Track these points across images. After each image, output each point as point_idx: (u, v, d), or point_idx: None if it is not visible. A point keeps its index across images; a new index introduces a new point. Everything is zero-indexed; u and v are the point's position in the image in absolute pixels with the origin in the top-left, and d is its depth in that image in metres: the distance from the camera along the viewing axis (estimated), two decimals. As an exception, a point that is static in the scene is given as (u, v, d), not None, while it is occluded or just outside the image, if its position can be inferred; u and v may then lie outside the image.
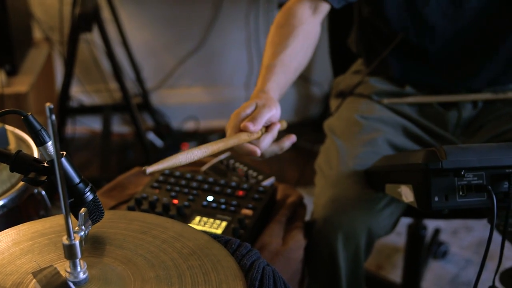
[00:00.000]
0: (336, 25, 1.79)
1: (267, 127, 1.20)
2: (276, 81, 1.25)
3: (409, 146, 1.47)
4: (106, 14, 2.66)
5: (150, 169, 0.94)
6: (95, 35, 2.72)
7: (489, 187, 1.04)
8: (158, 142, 2.91)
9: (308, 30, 1.36)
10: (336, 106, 1.60)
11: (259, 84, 1.25)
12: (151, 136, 2.93)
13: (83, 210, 0.88)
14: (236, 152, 1.19)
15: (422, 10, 1.42)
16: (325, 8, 1.39)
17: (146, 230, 1.00)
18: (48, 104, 0.71)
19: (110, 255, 0.93)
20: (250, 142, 1.16)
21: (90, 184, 0.93)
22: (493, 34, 1.43)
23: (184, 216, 1.29)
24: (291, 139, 1.22)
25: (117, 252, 0.94)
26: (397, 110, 1.53)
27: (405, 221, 1.84)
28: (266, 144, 1.17)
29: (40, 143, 0.88)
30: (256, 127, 1.14)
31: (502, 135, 1.44)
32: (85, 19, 2.32)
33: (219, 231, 1.25)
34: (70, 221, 0.81)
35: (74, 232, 0.84)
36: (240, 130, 1.15)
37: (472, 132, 1.50)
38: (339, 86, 1.66)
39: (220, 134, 3.08)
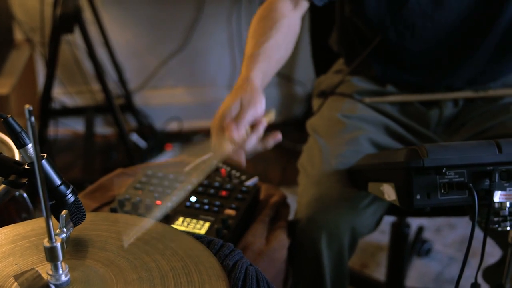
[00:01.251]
0: (317, 24, 1.79)
1: (252, 126, 1.17)
2: (260, 70, 1.24)
3: (391, 145, 1.47)
4: (87, 15, 2.65)
5: (128, 242, 0.95)
6: (76, 36, 2.70)
7: (471, 184, 1.05)
8: (142, 143, 2.90)
9: (289, 24, 1.35)
10: (318, 105, 1.60)
11: (244, 73, 1.23)
12: (134, 137, 2.91)
13: (64, 212, 0.87)
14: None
15: (402, 9, 1.42)
16: (305, 4, 1.39)
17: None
18: (27, 106, 0.71)
19: (92, 257, 0.93)
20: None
21: (72, 186, 0.92)
22: (472, 34, 1.44)
23: (167, 217, 1.29)
24: (276, 138, 1.20)
25: (100, 254, 0.93)
26: (379, 109, 1.53)
27: (389, 220, 1.85)
28: (251, 145, 1.15)
29: (21, 145, 0.88)
30: (240, 132, 1.12)
31: (483, 133, 1.45)
32: (66, 20, 2.30)
33: (202, 232, 1.24)
34: (51, 223, 0.80)
35: (56, 235, 0.83)
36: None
37: (453, 130, 1.51)
38: (321, 86, 1.66)
39: (203, 134, 3.07)
